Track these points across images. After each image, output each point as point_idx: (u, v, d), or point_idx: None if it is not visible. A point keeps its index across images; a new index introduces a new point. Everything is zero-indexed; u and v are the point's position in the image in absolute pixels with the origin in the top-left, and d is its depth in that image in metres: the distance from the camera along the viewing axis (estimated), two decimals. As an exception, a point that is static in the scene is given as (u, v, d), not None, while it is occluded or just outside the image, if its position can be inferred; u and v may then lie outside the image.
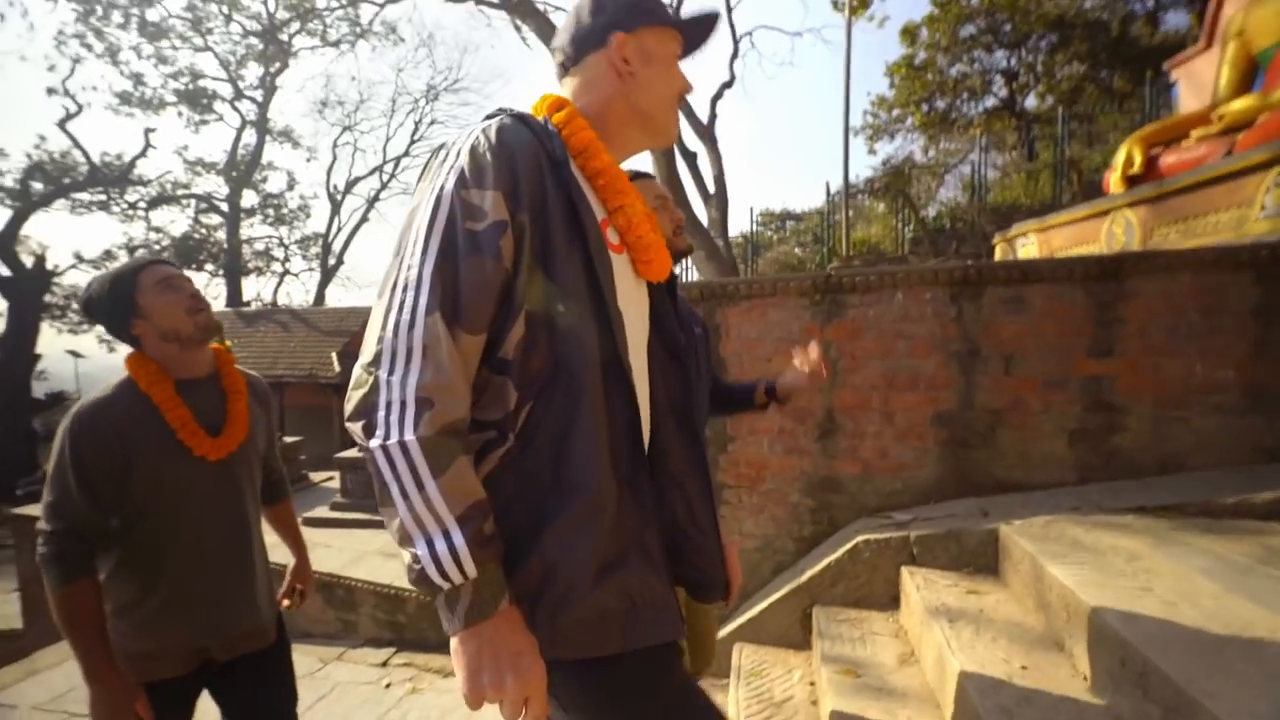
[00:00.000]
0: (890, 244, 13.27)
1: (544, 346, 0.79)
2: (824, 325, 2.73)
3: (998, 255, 5.87)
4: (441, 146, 0.84)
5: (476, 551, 0.69)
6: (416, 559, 0.69)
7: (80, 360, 21.26)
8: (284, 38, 18.90)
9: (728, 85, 16.67)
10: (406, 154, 23.17)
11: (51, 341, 18.77)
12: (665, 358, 0.98)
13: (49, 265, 16.07)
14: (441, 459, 0.69)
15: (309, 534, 2.05)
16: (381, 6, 14.07)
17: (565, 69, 0.96)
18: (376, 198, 22.93)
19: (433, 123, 25.48)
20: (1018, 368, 2.54)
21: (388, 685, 3.45)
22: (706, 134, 15.51)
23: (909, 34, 16.76)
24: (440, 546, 0.68)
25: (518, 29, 11.47)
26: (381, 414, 0.70)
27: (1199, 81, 5.24)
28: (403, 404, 0.69)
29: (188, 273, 1.53)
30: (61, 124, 16.25)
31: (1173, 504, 2.19)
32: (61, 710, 3.54)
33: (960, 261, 2.62)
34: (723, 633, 2.56)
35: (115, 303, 1.34)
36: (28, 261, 15.45)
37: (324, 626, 4.21)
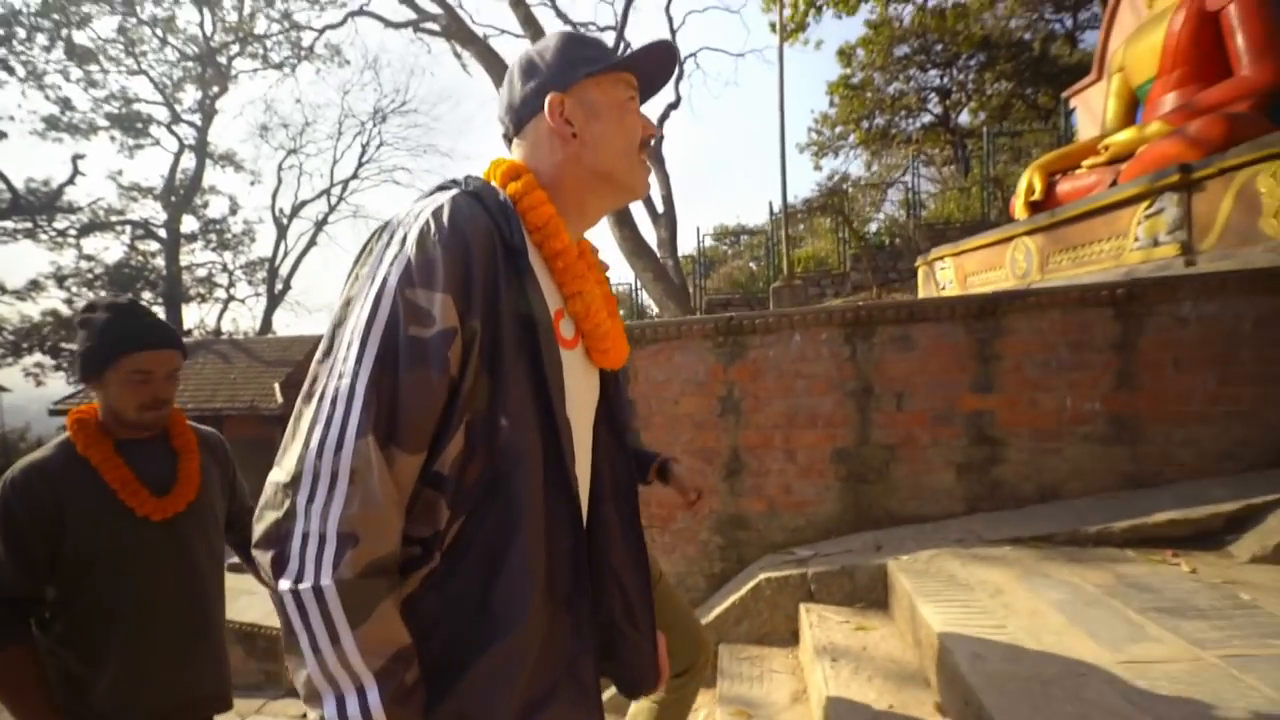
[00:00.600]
0: (835, 260, 13.63)
1: (482, 460, 0.71)
2: (727, 366, 2.82)
3: (920, 278, 6.12)
4: (385, 226, 0.75)
5: (394, 711, 0.61)
6: None
7: (5, 394, 20.12)
8: (223, 60, 18.46)
9: (674, 106, 16.96)
10: (355, 176, 22.79)
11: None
12: (612, 444, 0.92)
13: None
14: (362, 606, 0.61)
15: (232, 580, 1.96)
16: (320, 32, 13.91)
17: (509, 140, 0.88)
18: (325, 221, 22.45)
19: (381, 145, 25.18)
20: (908, 404, 2.66)
21: (308, 743, 3.36)
22: (653, 155, 15.76)
23: (845, 55, 17.36)
24: (352, 708, 0.60)
25: (457, 56, 11.48)
26: (295, 546, 0.61)
27: (1094, 110, 5.59)
28: (321, 539, 0.61)
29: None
30: (-21, 151, 15.50)
31: (1044, 534, 2.33)
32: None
33: (851, 303, 2.73)
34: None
35: (88, 359, 1.32)
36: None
37: (245, 678, 4.08)
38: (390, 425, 0.66)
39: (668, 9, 14.76)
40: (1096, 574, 2.06)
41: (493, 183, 0.82)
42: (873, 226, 18.09)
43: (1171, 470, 2.51)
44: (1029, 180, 4.90)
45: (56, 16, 15.50)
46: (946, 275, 5.53)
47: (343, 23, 12.49)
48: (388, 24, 11.71)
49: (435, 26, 10.90)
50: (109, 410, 1.35)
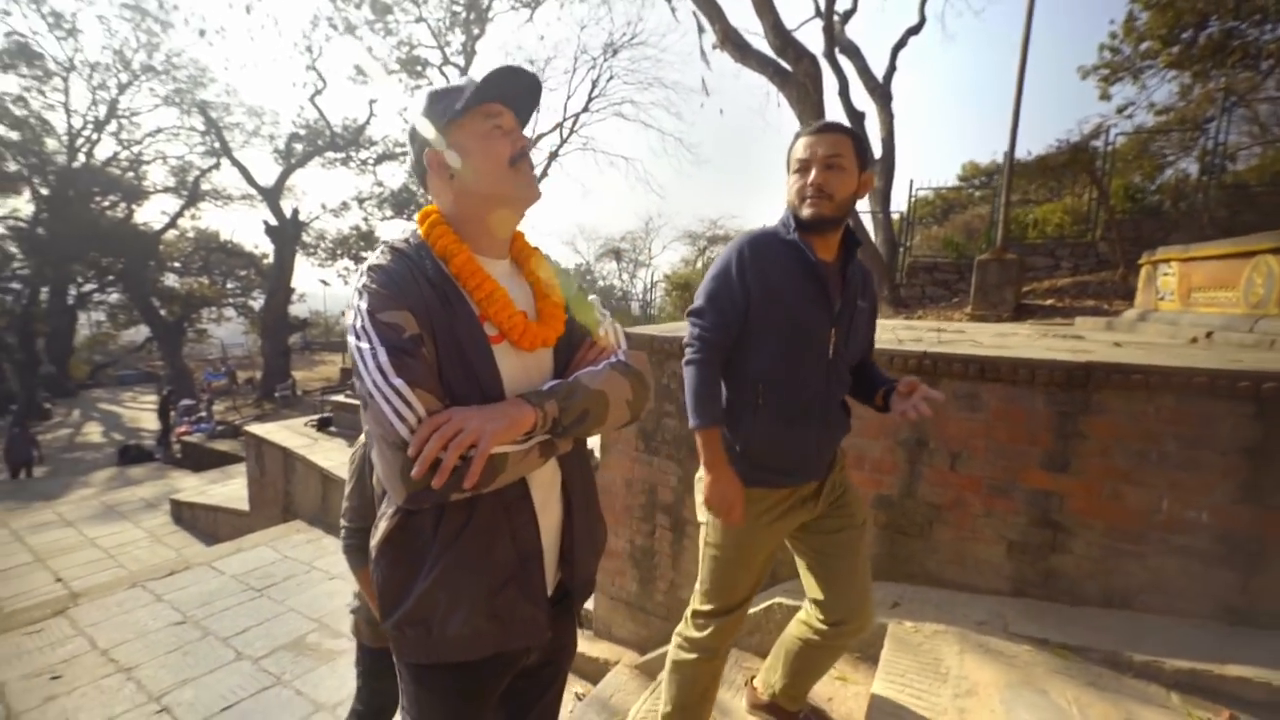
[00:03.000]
0: (1082, 226, 11.20)
1: None
2: (783, 392, 2.83)
3: (1141, 279, 5.00)
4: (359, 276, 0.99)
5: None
6: None
7: (327, 288, 26.29)
8: (484, 2, 20.62)
9: (914, 31, 14.93)
10: (585, 110, 24.24)
11: (308, 273, 23.59)
12: None
13: (303, 215, 20.07)
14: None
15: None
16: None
17: (427, 195, 1.11)
18: (556, 153, 24.47)
19: (611, 78, 26.10)
20: (964, 466, 2.45)
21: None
22: (879, 90, 14.19)
23: (1160, -48, 13.38)
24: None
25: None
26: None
27: None
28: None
29: (400, 221, 1.78)
30: (312, 99, 19.84)
31: (1077, 645, 2.08)
32: (246, 584, 5.01)
33: (917, 349, 2.57)
34: (650, 656, 2.95)
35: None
36: (287, 211, 19.42)
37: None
38: (414, 376, 0.89)
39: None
40: (1104, 709, 1.84)
41: (416, 229, 1.05)
42: (1163, 178, 14.35)
43: (1298, 615, 2.01)
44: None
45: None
46: (1169, 284, 4.46)
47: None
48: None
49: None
50: None
